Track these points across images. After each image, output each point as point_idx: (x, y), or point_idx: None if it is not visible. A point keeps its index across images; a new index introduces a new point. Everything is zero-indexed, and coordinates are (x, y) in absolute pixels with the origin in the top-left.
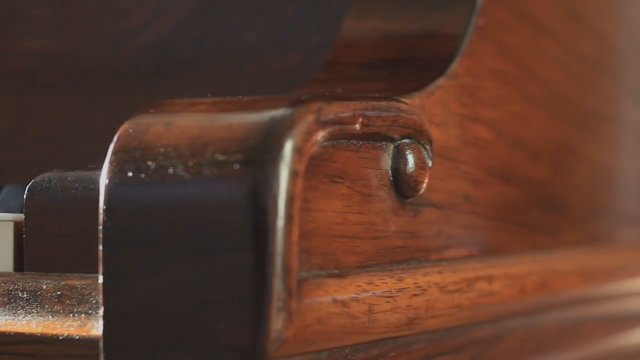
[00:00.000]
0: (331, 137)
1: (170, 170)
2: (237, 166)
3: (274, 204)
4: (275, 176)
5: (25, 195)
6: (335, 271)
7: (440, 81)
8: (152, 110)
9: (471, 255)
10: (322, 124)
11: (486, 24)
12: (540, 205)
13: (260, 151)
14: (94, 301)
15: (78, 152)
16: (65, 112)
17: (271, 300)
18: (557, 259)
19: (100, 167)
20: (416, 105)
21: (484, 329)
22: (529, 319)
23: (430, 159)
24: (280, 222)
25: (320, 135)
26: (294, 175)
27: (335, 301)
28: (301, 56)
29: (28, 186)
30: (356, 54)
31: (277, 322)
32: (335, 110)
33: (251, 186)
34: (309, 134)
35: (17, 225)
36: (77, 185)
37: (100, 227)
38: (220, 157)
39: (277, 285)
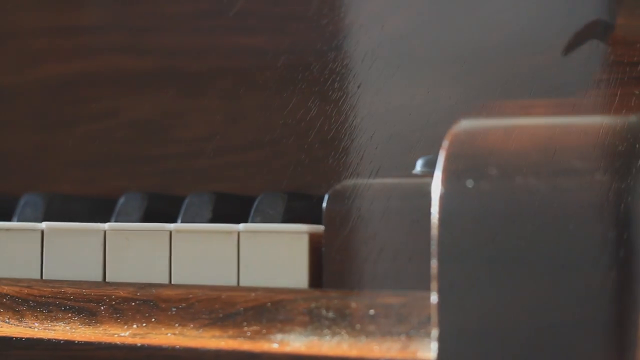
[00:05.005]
0: None
1: (519, 179)
2: (599, 175)
3: None
4: None
5: (325, 205)
6: None
7: None
8: (481, 113)
9: None
10: None
11: None
12: None
13: (627, 158)
14: (416, 321)
15: (295, 155)
16: (282, 113)
17: None
18: None
19: (404, 175)
20: None
21: None
22: None
23: None
24: None
25: None
26: None
27: None
28: (551, 56)
29: (328, 195)
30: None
31: None
32: None
33: (619, 196)
34: None
35: (312, 237)
36: (387, 195)
37: (435, 240)
38: (579, 165)
39: None
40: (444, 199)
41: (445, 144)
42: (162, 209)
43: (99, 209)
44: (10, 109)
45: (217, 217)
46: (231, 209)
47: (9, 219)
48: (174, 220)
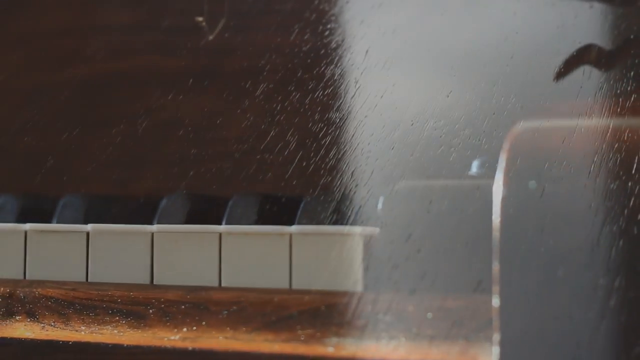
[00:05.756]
0: None
1: (581, 181)
2: None
3: None
4: None
5: (380, 206)
6: None
7: None
8: (542, 114)
9: None
10: None
11: None
12: None
13: None
14: (475, 325)
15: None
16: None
17: None
18: None
19: (460, 177)
20: None
21: None
22: None
23: None
24: None
25: None
26: None
27: None
28: None
29: (384, 197)
30: None
31: None
32: None
33: None
34: None
35: (366, 239)
36: (443, 196)
37: (497, 243)
38: None
39: None
40: (505, 200)
41: (506, 145)
42: (204, 210)
43: (139, 211)
44: (46, 109)
45: (262, 218)
46: (274, 210)
47: (47, 221)
48: (216, 222)
